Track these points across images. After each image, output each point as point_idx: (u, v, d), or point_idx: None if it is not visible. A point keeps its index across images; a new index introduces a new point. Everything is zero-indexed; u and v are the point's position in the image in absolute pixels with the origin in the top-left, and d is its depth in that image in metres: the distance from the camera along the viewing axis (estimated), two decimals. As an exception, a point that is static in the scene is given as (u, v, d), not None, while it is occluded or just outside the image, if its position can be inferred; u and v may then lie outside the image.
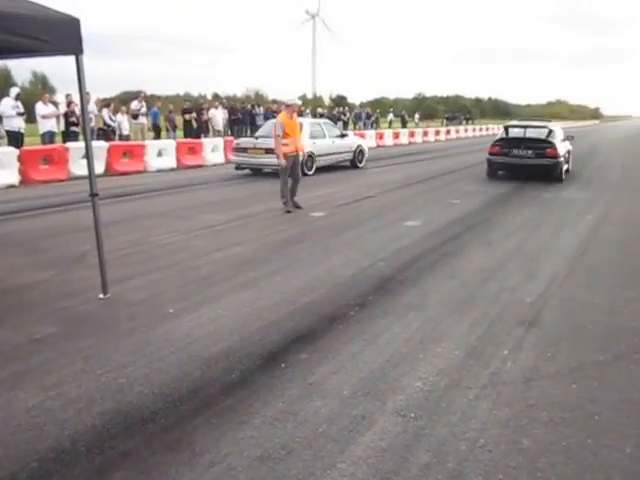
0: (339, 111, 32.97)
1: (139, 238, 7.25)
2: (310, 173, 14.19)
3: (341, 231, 7.76)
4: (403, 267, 5.97)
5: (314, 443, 2.82)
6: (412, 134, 32.56)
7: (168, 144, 16.96)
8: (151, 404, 3.19)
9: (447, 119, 59.06)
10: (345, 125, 31.96)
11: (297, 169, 9.45)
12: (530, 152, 13.10)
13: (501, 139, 14.04)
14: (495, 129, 49.82)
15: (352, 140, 16.87)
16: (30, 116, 15.94)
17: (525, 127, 14.36)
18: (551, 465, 2.66)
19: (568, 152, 14.42)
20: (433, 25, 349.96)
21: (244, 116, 23.99)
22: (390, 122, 44.28)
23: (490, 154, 13.92)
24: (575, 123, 79.46)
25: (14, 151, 12.74)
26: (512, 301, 4.95)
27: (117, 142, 16.50)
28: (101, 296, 4.91)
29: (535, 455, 2.74)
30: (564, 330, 4.32)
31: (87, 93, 5.08)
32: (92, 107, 16.09)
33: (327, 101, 68.96)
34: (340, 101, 63.79)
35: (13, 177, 12.45)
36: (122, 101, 22.27)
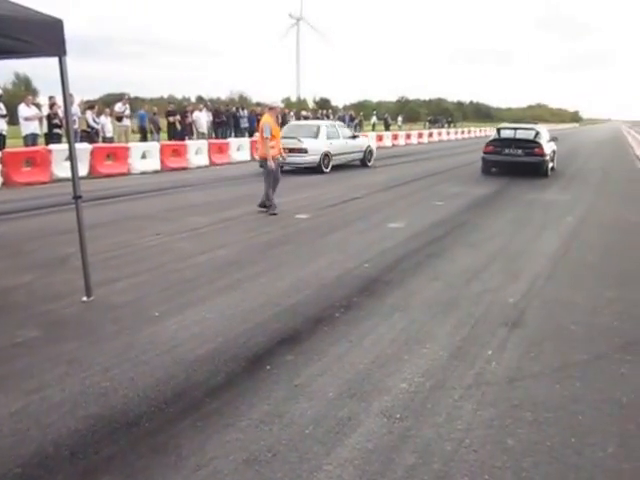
0: (323, 114, 33.02)
1: (123, 240, 7.20)
2: (327, 171, 15.49)
3: (326, 233, 7.77)
4: (388, 268, 6.00)
5: (300, 445, 2.82)
6: (395, 137, 32.69)
7: (152, 146, 16.87)
8: (136, 408, 3.16)
9: (430, 122, 59.38)
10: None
11: (278, 171, 9.47)
12: (520, 151, 14.77)
13: (494, 140, 15.71)
14: (477, 132, 50.39)
15: (362, 141, 18.43)
16: (12, 118, 15.78)
17: (515, 129, 16.01)
18: (535, 465, 2.69)
19: (553, 152, 16.04)
20: (416, 29, 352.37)
21: (228, 119, 23.92)
22: (373, 125, 44.42)
23: (484, 153, 15.47)
24: (555, 126, 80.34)
25: (-4, 153, 12.57)
26: (495, 302, 4.99)
27: (101, 144, 16.36)
28: (85, 299, 4.87)
29: (520, 455, 2.76)
30: (547, 330, 4.37)
31: (70, 95, 5.03)
32: (75, 109, 15.95)
33: (311, 104, 68.97)
34: (324, 104, 63.85)
35: (-5, 179, 12.28)
36: (106, 103, 22.12)
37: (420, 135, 37.05)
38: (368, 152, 17.83)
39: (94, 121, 17.21)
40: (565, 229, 8.35)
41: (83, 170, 13.30)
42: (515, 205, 10.57)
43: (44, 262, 6.18)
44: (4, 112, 14.45)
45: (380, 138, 30.81)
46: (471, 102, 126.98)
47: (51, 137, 15.62)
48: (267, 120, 9.27)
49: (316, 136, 15.67)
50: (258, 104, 43.51)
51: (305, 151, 15.09)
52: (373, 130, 38.50)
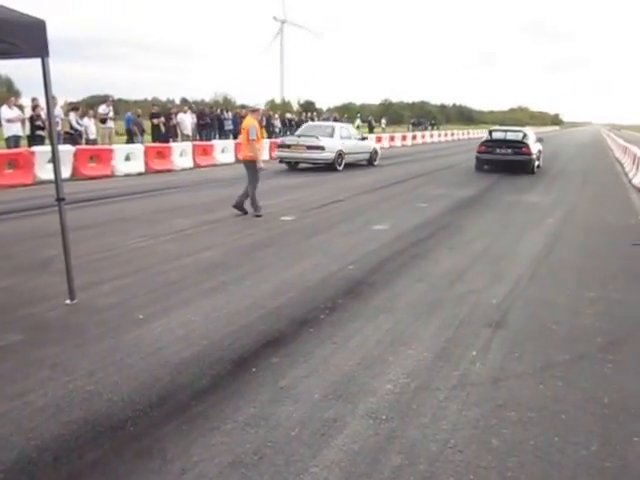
0: (307, 116, 33.03)
1: (107, 243, 7.14)
2: (340, 169, 16.94)
3: (311, 235, 7.78)
4: (372, 270, 6.02)
5: (286, 447, 2.82)
6: (379, 139, 32.76)
7: (136, 148, 16.73)
8: (120, 411, 3.14)
9: (413, 125, 59.64)
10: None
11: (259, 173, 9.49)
12: (509, 150, 16.72)
13: (487, 140, 17.70)
14: (460, 135, 50.82)
15: (369, 142, 20.48)
16: (-6, 120, 15.50)
17: (505, 131, 18.30)
18: (520, 464, 2.72)
19: (539, 151, 17.88)
20: (399, 32, 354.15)
21: (212, 121, 23.84)
22: (357, 127, 44.48)
23: (478, 152, 17.47)
24: (537, 129, 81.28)
25: (-23, 155, 12.39)
26: (479, 303, 5.03)
27: (84, 146, 16.19)
28: (68, 302, 4.82)
29: (505, 454, 2.79)
30: (530, 331, 4.42)
31: (53, 97, 4.99)
32: (58, 111, 15.79)
33: (295, 106, 68.97)
34: (308, 106, 63.92)
35: (-23, 181, 12.10)
36: (89, 105, 21.90)
37: (404, 138, 37.20)
38: (374, 152, 19.45)
39: (77, 123, 17.04)
40: (547, 230, 8.45)
41: (66, 172, 13.14)
42: (497, 207, 10.67)
43: (27, 265, 6.11)
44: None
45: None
46: (454, 105, 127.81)
47: (34, 139, 15.42)
48: (252, 122, 9.25)
49: (332, 135, 17.09)
50: (242, 106, 43.35)
51: (322, 148, 16.44)
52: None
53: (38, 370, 3.61)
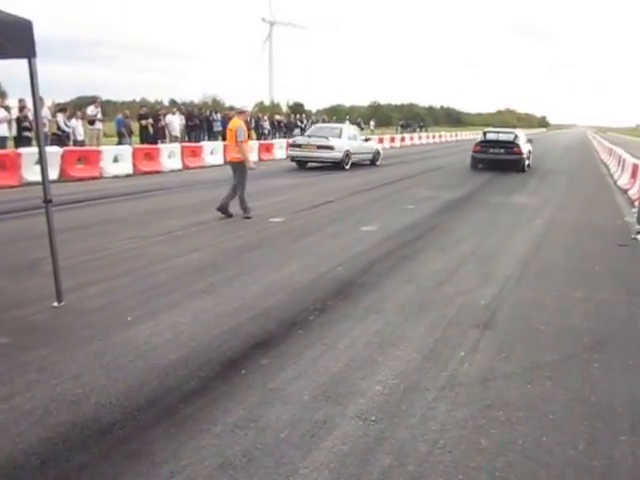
0: (296, 118, 33.01)
1: (96, 245, 7.09)
2: (347, 167, 18.02)
3: (300, 237, 7.78)
4: (361, 271, 6.03)
5: (276, 449, 2.82)
6: (381, 140, 32.87)
7: (124, 150, 16.63)
8: (108, 415, 3.12)
9: (402, 126, 59.82)
10: (302, 132, 32.04)
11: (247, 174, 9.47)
12: (502, 150, 18.25)
13: (481, 141, 19.20)
14: (448, 136, 51.12)
15: (373, 143, 21.55)
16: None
17: (498, 132, 20.09)
18: (509, 464, 2.73)
19: (529, 151, 19.37)
20: (388, 34, 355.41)
21: (201, 122, 23.77)
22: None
23: (473, 152, 19.03)
24: (525, 131, 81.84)
25: (-37, 156, 12.26)
26: (467, 304, 5.06)
27: (72, 148, 16.07)
28: (56, 304, 4.78)
29: (493, 455, 2.80)
30: (518, 331, 4.45)
31: (41, 98, 4.95)
32: (46, 112, 15.66)
33: (284, 108, 68.91)
34: (297, 108, 63.85)
35: (-38, 183, 11.97)
36: (77, 106, 21.72)
37: (392, 139, 37.28)
38: (377, 153, 20.63)
39: (65, 124, 16.92)
40: (534, 231, 8.51)
41: (54, 174, 13.03)
42: (485, 209, 10.73)
43: (13, 267, 6.05)
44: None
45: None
46: (442, 107, 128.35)
47: (20, 140, 15.29)
48: (239, 123, 9.22)
49: (340, 136, 18.31)
50: (231, 108, 43.25)
51: (332, 148, 17.58)
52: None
53: (25, 373, 3.58)
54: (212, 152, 19.53)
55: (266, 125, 28.15)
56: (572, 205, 11.56)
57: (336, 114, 50.30)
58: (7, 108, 16.02)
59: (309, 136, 18.68)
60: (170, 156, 17.76)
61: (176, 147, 18.54)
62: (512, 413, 3.20)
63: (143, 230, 8.04)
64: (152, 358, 3.82)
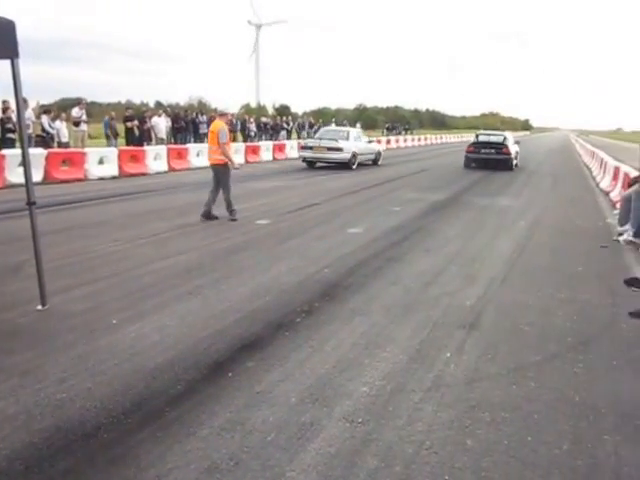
0: (282, 120, 32.99)
1: (80, 247, 7.03)
2: (354, 167, 19.33)
3: (286, 239, 7.77)
4: (348, 273, 6.04)
5: (262, 452, 2.81)
6: (379, 142, 32.92)
7: (109, 152, 16.50)
8: (93, 419, 3.09)
9: (387, 129, 59.92)
10: (289, 134, 32.03)
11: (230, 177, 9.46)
12: (493, 151, 20.50)
13: (474, 142, 21.42)
14: (433, 139, 51.48)
15: (375, 145, 22.94)
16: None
17: (489, 135, 22.72)
18: (494, 464, 2.75)
19: (517, 152, 21.70)
20: (374, 37, 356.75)
21: (187, 124, 23.67)
22: (314, 131, 44.61)
23: (467, 152, 21.16)
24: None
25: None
26: (453, 305, 5.09)
27: (56, 149, 15.91)
28: (39, 308, 4.73)
29: (479, 455, 2.82)
30: (502, 332, 4.49)
31: (24, 100, 4.90)
32: (30, 113, 15.49)
33: (270, 110, 68.82)
34: (283, 110, 63.77)
35: (-57, 185, 11.79)
36: (61, 108, 21.50)
37: (378, 142, 37.30)
38: (378, 153, 22.14)
39: (50, 126, 16.75)
40: (518, 233, 8.59)
41: (38, 176, 12.91)
42: (470, 211, 10.80)
43: (-5, 270, 5.98)
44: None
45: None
46: (427, 110, 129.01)
47: (4, 142, 15.09)
48: (222, 125, 9.17)
49: (347, 138, 19.69)
50: (216, 110, 43.16)
51: (341, 150, 18.94)
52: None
53: (8, 377, 3.53)
54: (198, 154, 19.44)
55: (252, 127, 28.11)
56: (556, 207, 11.68)
57: (322, 116, 50.31)
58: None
59: (319, 139, 19.86)
60: (156, 158, 17.67)
61: (162, 149, 18.45)
62: (497, 413, 3.22)
63: (129, 232, 7.98)
64: (138, 361, 3.80)
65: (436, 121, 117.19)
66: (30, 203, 4.66)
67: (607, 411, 3.30)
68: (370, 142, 22.34)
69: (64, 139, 17.33)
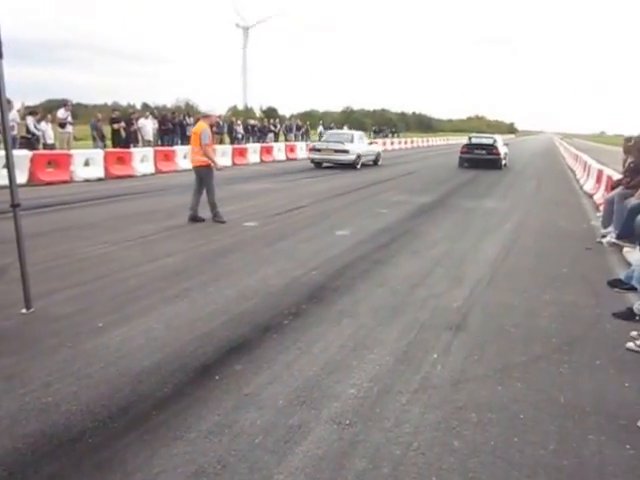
0: (270, 122, 32.97)
1: (66, 250, 6.97)
2: (358, 167, 20.94)
3: (274, 241, 7.76)
4: (335, 275, 6.05)
5: (250, 455, 2.81)
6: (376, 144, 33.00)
7: (95, 153, 16.38)
8: (79, 423, 3.07)
9: (374, 132, 60.05)
10: (276, 136, 32.00)
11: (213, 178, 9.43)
12: (484, 151, 22.88)
13: (467, 144, 23.79)
14: (420, 142, 51.81)
15: (375, 146, 25.07)
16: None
17: (480, 137, 25.15)
18: (481, 465, 2.77)
19: (505, 153, 24.11)
20: (361, 40, 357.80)
21: (174, 126, 23.55)
22: (320, 134, 44.72)
23: (461, 153, 23.54)
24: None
25: None
26: (440, 306, 5.12)
27: (41, 151, 15.77)
28: (24, 311, 4.68)
29: (466, 456, 2.84)
30: (489, 333, 4.52)
31: (8, 100, 4.85)
32: (14, 115, 15.34)
33: (258, 112, 68.76)
34: (271, 113, 63.77)
35: None
36: (47, 109, 21.27)
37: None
38: (378, 154, 23.87)
39: (35, 127, 16.60)
40: (504, 235, 8.65)
41: (22, 178, 12.80)
42: (457, 213, 10.87)
43: (-21, 274, 5.90)
44: None
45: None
46: (414, 113, 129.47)
47: (-13, 144, 14.95)
48: (205, 127, 9.13)
49: (352, 141, 21.24)
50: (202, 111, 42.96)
51: (347, 152, 20.59)
52: (320, 139, 38.75)
53: (-8, 382, 3.49)
54: (185, 156, 19.31)
55: (239, 129, 28.04)
56: (541, 209, 11.78)
57: (310, 119, 50.32)
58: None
59: (327, 142, 21.68)
60: (143, 160, 17.57)
61: (149, 151, 18.35)
62: (484, 414, 3.24)
63: (115, 235, 7.93)
64: (124, 365, 3.77)
65: (422, 124, 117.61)
66: (14, 205, 4.61)
67: (592, 411, 3.33)
68: (371, 144, 24.29)
69: (49, 140, 17.19)
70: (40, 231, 7.84)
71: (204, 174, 9.12)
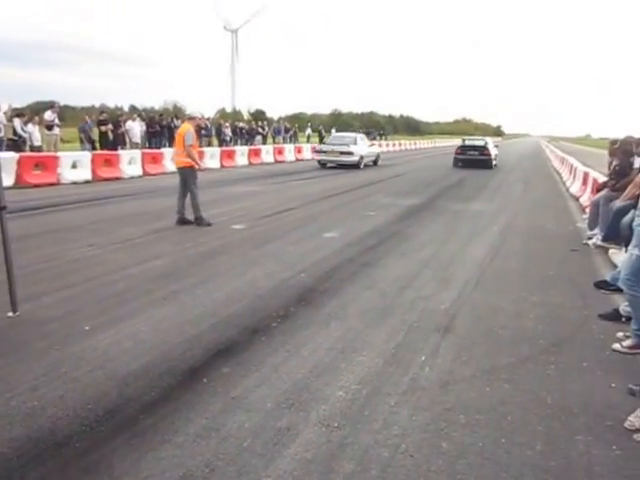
0: (258, 125, 32.93)
1: (53, 252, 6.91)
2: (362, 167, 22.49)
3: (262, 243, 7.75)
4: (324, 278, 6.05)
5: (238, 459, 2.80)
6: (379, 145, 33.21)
7: (83, 156, 16.29)
8: (65, 427, 3.04)
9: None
10: (264, 139, 31.96)
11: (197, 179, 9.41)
12: (476, 152, 25.26)
13: (461, 146, 26.25)
14: (408, 145, 52.08)
15: (375, 148, 27.17)
16: None
17: (473, 140, 28.42)
18: (469, 466, 2.78)
19: (496, 154, 26.77)
20: (349, 44, 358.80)
21: (162, 129, 23.44)
22: (308, 137, 44.73)
23: (455, 154, 25.83)
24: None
25: None
26: (428, 308, 5.13)
27: (28, 153, 15.64)
28: (10, 314, 4.63)
29: (454, 457, 2.85)
30: (476, 335, 4.54)
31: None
32: (1, 117, 15.22)
33: (246, 115, 68.62)
34: (259, 115, 63.68)
35: None
36: (34, 111, 21.11)
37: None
38: (378, 156, 25.76)
39: (22, 129, 16.47)
40: (491, 238, 8.70)
41: (9, 180, 12.69)
42: (444, 215, 10.91)
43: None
44: None
45: (315, 149, 31.02)
46: (401, 116, 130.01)
47: (-26, 145, 14.83)
48: (189, 128, 9.12)
49: (355, 143, 22.86)
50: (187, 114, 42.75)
51: (351, 153, 22.13)
52: (308, 142, 38.79)
53: (-23, 386, 3.45)
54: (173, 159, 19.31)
55: (228, 132, 27.98)
56: (527, 212, 11.86)
57: (298, 121, 50.33)
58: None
59: (332, 144, 23.12)
60: (130, 162, 17.49)
61: (136, 153, 18.27)
62: (472, 416, 3.25)
63: (102, 237, 7.88)
64: (111, 368, 3.74)
65: (410, 127, 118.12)
66: (0, 208, 4.56)
67: (579, 412, 3.35)
68: (372, 146, 26.43)
69: (37, 143, 17.10)
70: (27, 234, 7.77)
71: (187, 174, 9.10)
